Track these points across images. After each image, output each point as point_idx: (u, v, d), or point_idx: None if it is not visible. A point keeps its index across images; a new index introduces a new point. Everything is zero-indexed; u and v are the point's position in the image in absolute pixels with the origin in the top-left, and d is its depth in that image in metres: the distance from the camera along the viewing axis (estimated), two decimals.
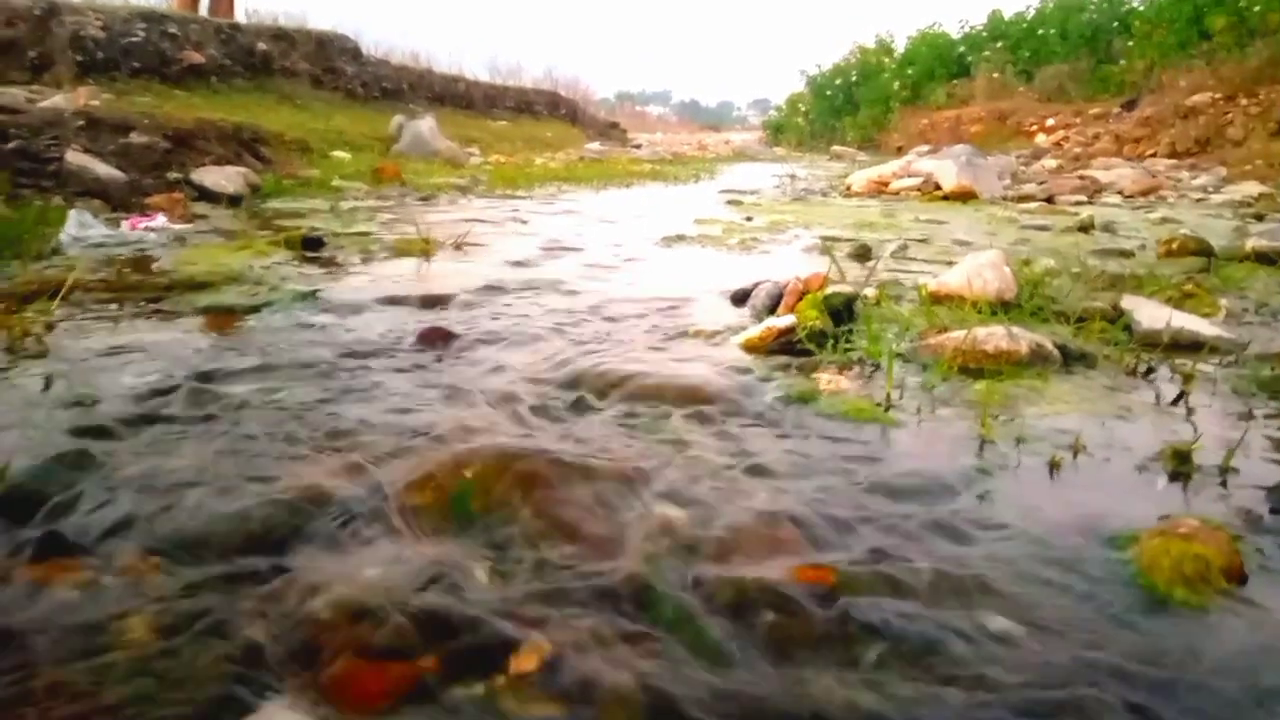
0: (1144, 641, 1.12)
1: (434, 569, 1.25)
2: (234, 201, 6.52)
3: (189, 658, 1.04)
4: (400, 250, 4.34)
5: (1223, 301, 3.21)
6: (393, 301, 3.05)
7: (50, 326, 2.54)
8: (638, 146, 25.95)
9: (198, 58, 13.54)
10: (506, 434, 1.75)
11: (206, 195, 6.58)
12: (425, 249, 4.28)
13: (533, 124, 24.59)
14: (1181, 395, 2.15)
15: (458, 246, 4.52)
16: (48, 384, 2.00)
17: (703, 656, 1.08)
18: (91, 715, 0.94)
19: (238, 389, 1.99)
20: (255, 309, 2.86)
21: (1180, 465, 1.68)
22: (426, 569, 1.25)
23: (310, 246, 4.20)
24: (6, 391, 1.96)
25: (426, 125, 13.66)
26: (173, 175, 6.97)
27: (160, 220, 4.92)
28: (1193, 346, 2.53)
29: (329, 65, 17.16)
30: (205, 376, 2.07)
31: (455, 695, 1.00)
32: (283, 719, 0.94)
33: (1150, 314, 2.74)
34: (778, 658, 1.08)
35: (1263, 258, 4.28)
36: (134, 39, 12.77)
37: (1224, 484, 1.62)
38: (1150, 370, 2.37)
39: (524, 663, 1.06)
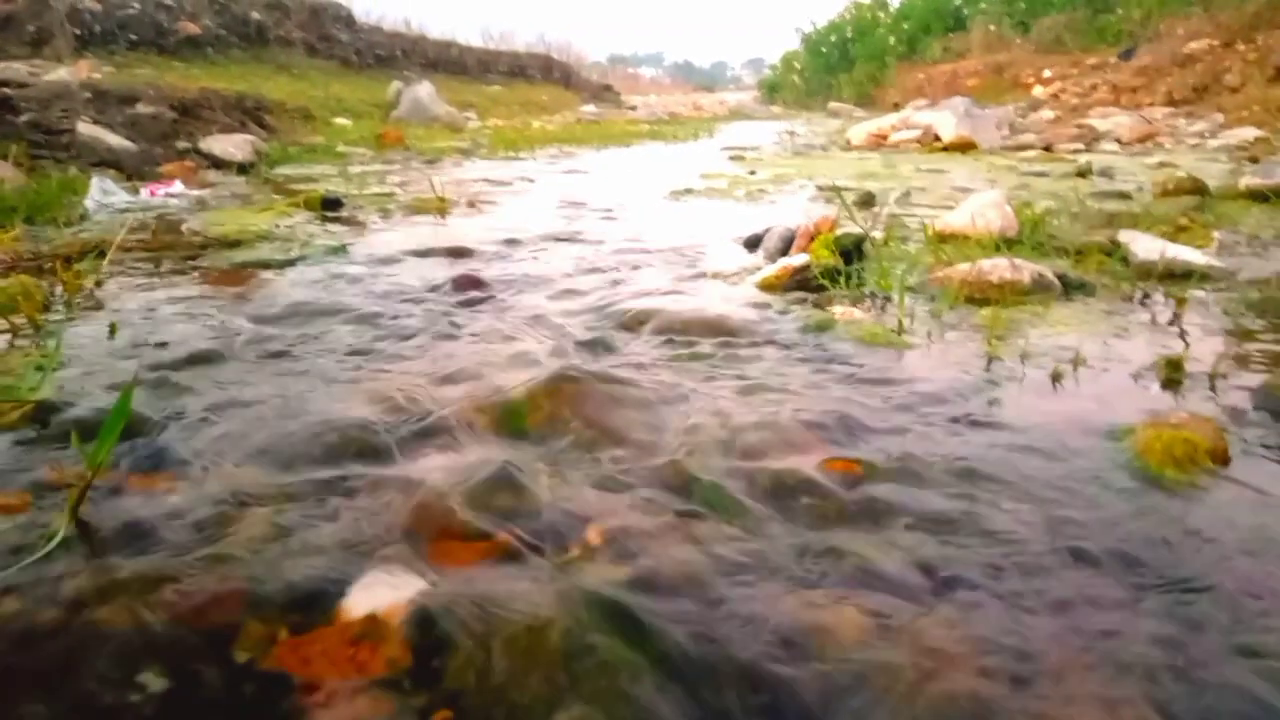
0: (1137, 511, 1.27)
1: (499, 472, 1.39)
2: (244, 169, 6.62)
3: (299, 543, 1.18)
4: (417, 208, 4.46)
5: (1216, 234, 3.34)
6: (420, 254, 3.18)
7: (100, 283, 2.67)
8: (633, 108, 25.89)
9: (194, 29, 13.53)
10: (550, 361, 1.89)
11: (216, 163, 6.68)
12: (441, 207, 4.40)
13: (527, 88, 24.51)
14: (1175, 317, 2.29)
15: (472, 204, 4.64)
16: (113, 332, 2.13)
17: (746, 530, 1.23)
18: (222, 593, 1.09)
19: (292, 331, 2.13)
20: (290, 262, 2.99)
21: (1173, 373, 1.82)
22: (492, 472, 1.39)
23: (330, 207, 4.32)
24: (79, 340, 2.10)
25: (425, 91, 13.70)
26: (182, 144, 7.06)
27: (179, 186, 5.03)
28: (1186, 275, 2.67)
29: (323, 33, 17.14)
30: (260, 320, 2.21)
31: (533, 563, 1.14)
32: (390, 578, 1.08)
33: (1146, 246, 2.87)
34: (812, 529, 1.23)
35: (1256, 195, 4.40)
36: (130, 11, 12.78)
37: (1213, 387, 1.76)
38: (1146, 296, 2.51)
39: (590, 538, 1.21)
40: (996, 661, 0.95)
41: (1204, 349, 1.97)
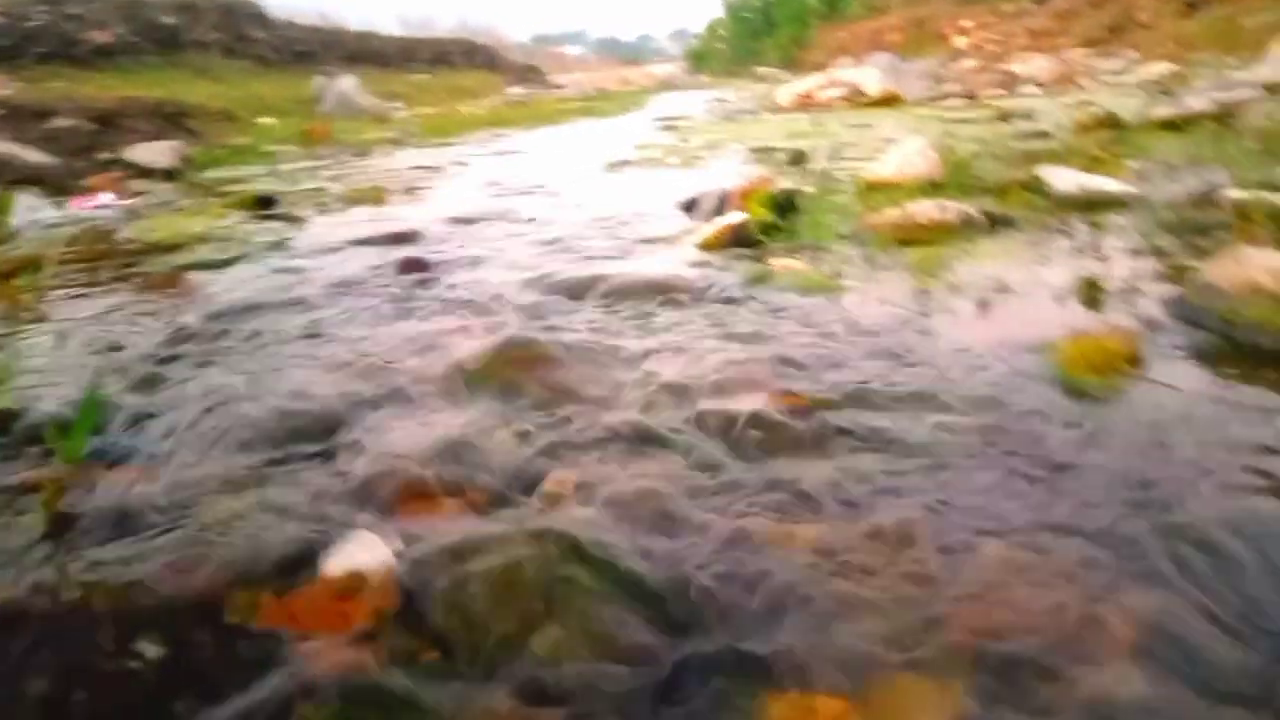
0: (1057, 414, 1.36)
1: (460, 434, 1.44)
2: (171, 175, 6.50)
3: (275, 515, 1.23)
4: (353, 200, 4.45)
5: (1130, 164, 3.48)
6: (361, 243, 3.19)
7: (40, 296, 2.65)
8: (561, 87, 25.71)
9: (104, 37, 13.17)
10: (500, 330, 1.94)
11: (143, 171, 6.55)
12: (377, 196, 4.40)
13: (452, 74, 24.22)
14: (1093, 242, 2.40)
15: (408, 191, 4.64)
16: (62, 340, 2.13)
17: (700, 465, 1.30)
18: (205, 567, 1.13)
19: (242, 325, 2.15)
20: (231, 261, 2.99)
21: (1091, 291, 1.93)
22: (454, 435, 1.44)
23: (265, 205, 4.29)
24: (28, 351, 2.09)
25: (348, 84, 13.51)
26: (104, 155, 6.92)
27: (107, 198, 4.94)
28: (1103, 203, 2.79)
29: (238, 33, 16.77)
30: (208, 317, 2.22)
31: (502, 513, 1.20)
32: (367, 538, 1.13)
33: (1064, 179, 2.99)
34: (764, 459, 1.30)
35: (1168, 124, 4.58)
36: (35, 23, 12.40)
37: (1129, 301, 1.87)
38: (1066, 225, 2.62)
39: (553, 486, 1.27)
40: (931, 556, 1.03)
41: (1120, 268, 2.08)
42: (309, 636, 0.97)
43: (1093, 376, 1.47)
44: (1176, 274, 2.03)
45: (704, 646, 0.92)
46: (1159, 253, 2.25)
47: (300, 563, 1.10)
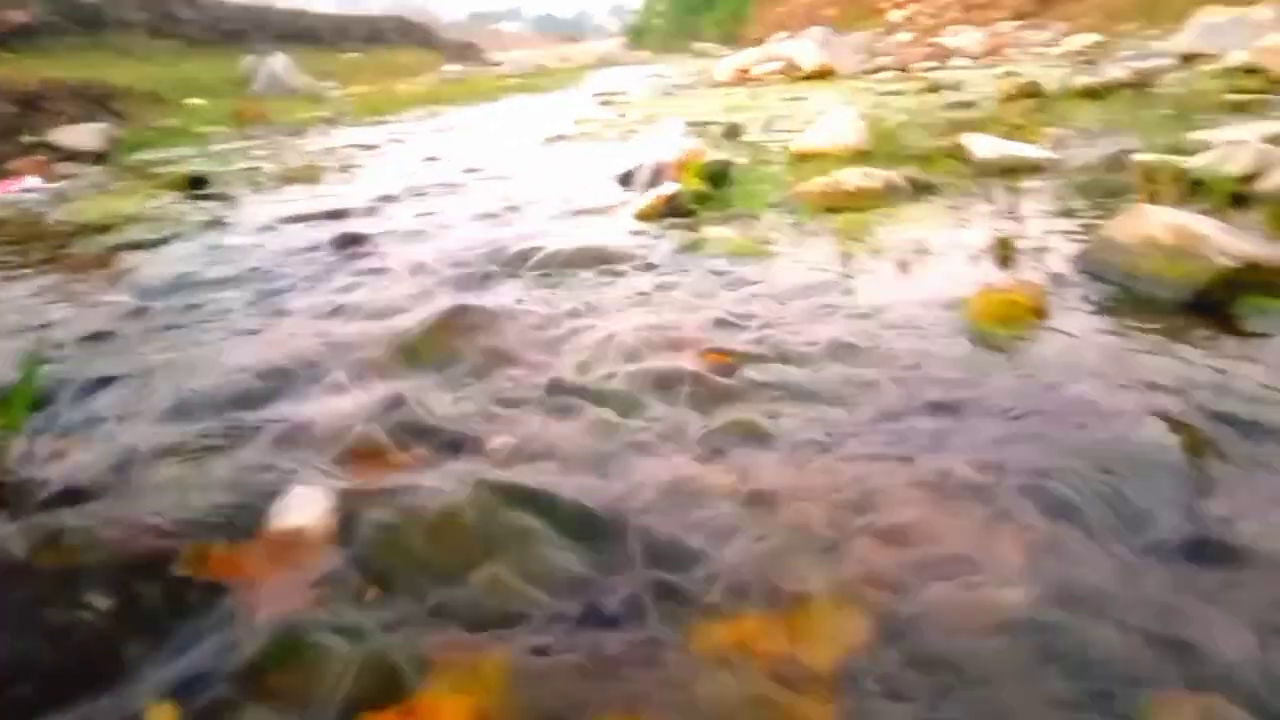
0: (971, 361, 1.45)
1: (400, 397, 1.49)
2: (100, 158, 6.36)
3: (219, 477, 1.26)
4: (287, 179, 4.41)
5: (1049, 130, 3.61)
6: (296, 220, 3.18)
7: None
8: (498, 64, 25.49)
9: (22, 17, 12.74)
10: (438, 299, 1.98)
11: (69, 154, 6.40)
12: (312, 175, 4.37)
13: (387, 52, 23.84)
14: (1011, 205, 2.51)
15: (343, 169, 4.61)
16: None
17: (632, 419, 1.36)
18: (151, 526, 1.16)
19: (178, 301, 2.16)
20: (165, 240, 2.97)
21: (1005, 251, 2.03)
22: (394, 398, 1.49)
23: (197, 185, 4.24)
24: None
25: (280, 63, 13.27)
26: (27, 139, 6.74)
27: (33, 181, 4.84)
28: (1022, 169, 2.90)
29: (164, 12, 16.33)
30: (143, 295, 2.23)
31: (443, 468, 1.25)
32: (311, 497, 1.18)
33: (985, 146, 3.10)
34: (694, 411, 1.37)
35: (1088, 93, 4.73)
36: None
37: (1040, 259, 1.97)
38: (986, 191, 2.73)
39: (493, 442, 1.32)
40: (846, 492, 1.11)
41: (1033, 228, 2.19)
42: (256, 584, 1.01)
43: (1000, 328, 1.56)
44: (1084, 233, 2.13)
45: (637, 579, 0.98)
46: (1070, 214, 2.36)
47: (245, 519, 1.14)
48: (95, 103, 8.66)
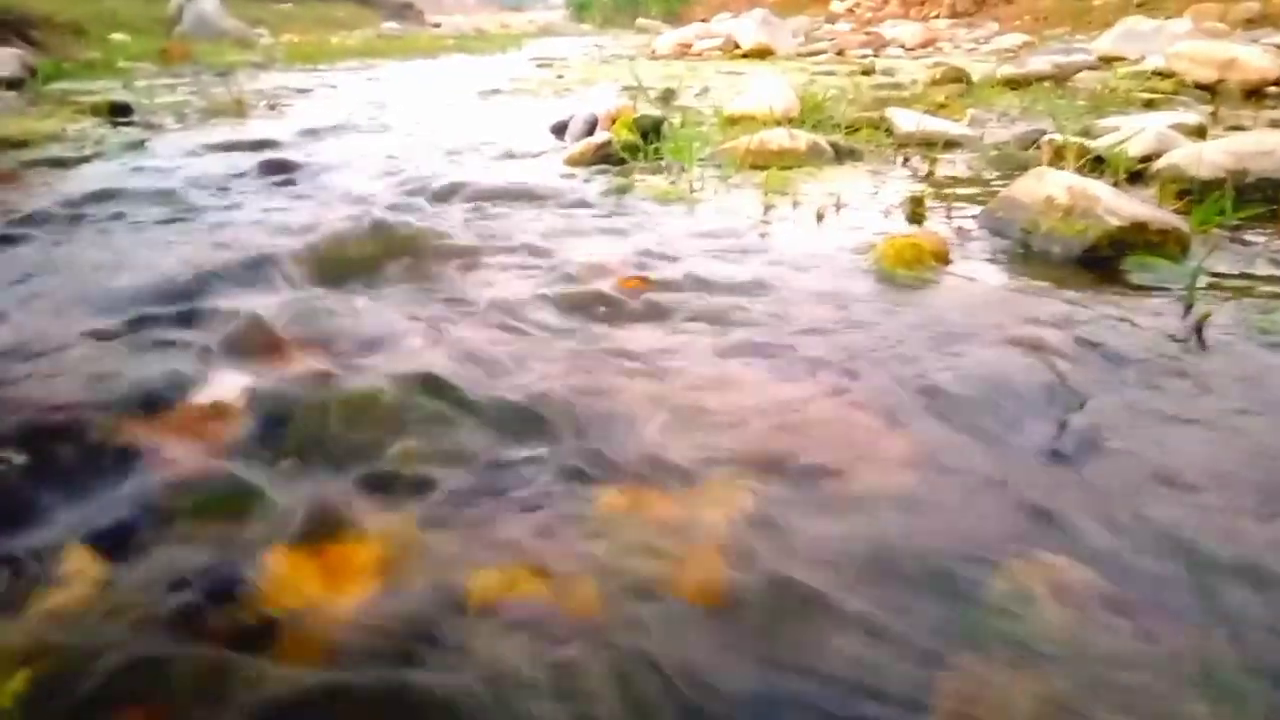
0: (874, 300, 1.53)
1: (321, 301, 1.51)
2: (13, 85, 6.12)
3: (138, 362, 1.28)
4: (214, 112, 4.33)
5: (970, 110, 3.74)
6: (222, 147, 3.15)
7: None
8: (437, 25, 25.06)
9: None
10: (363, 221, 1.99)
11: None
12: (239, 110, 4.29)
13: (322, 6, 23.24)
14: (928, 173, 2.61)
15: (272, 107, 4.54)
16: None
17: (552, 334, 1.41)
18: (69, 401, 1.17)
19: (100, 211, 2.13)
20: (87, 159, 2.91)
21: (915, 207, 2.12)
22: (315, 302, 1.51)
23: (120, 113, 4.14)
24: None
25: (209, 5, 12.88)
26: None
27: None
28: (940, 142, 3.01)
29: None
30: (65, 204, 2.19)
31: (360, 362, 1.28)
32: (231, 378, 1.20)
33: (907, 119, 3.20)
34: (608, 329, 1.42)
35: (1011, 83, 4.90)
36: None
37: (947, 217, 2.07)
38: (906, 159, 2.83)
39: (411, 343, 1.36)
40: (746, 396, 1.18)
41: (946, 192, 2.29)
42: (171, 449, 1.04)
43: (904, 270, 1.65)
44: (989, 196, 2.24)
45: (545, 458, 1.03)
46: (980, 182, 2.48)
47: (161, 396, 1.16)
48: (10, 29, 8.31)
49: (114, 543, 0.87)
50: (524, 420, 1.11)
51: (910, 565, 0.84)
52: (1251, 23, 11.82)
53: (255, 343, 1.33)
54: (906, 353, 1.30)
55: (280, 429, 1.07)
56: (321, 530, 0.88)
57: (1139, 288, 1.58)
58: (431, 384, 1.17)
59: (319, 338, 1.36)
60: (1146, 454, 1.01)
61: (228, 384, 1.18)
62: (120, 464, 1.01)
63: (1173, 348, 1.30)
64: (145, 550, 0.87)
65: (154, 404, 1.14)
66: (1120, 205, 1.76)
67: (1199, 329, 1.36)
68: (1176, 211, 1.95)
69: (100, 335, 1.36)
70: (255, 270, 1.66)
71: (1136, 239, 1.72)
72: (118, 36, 10.33)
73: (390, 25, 20.82)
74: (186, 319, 1.43)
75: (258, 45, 11.78)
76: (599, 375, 1.24)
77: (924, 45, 10.74)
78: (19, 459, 1.01)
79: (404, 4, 31.51)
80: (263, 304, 1.49)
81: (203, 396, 1.15)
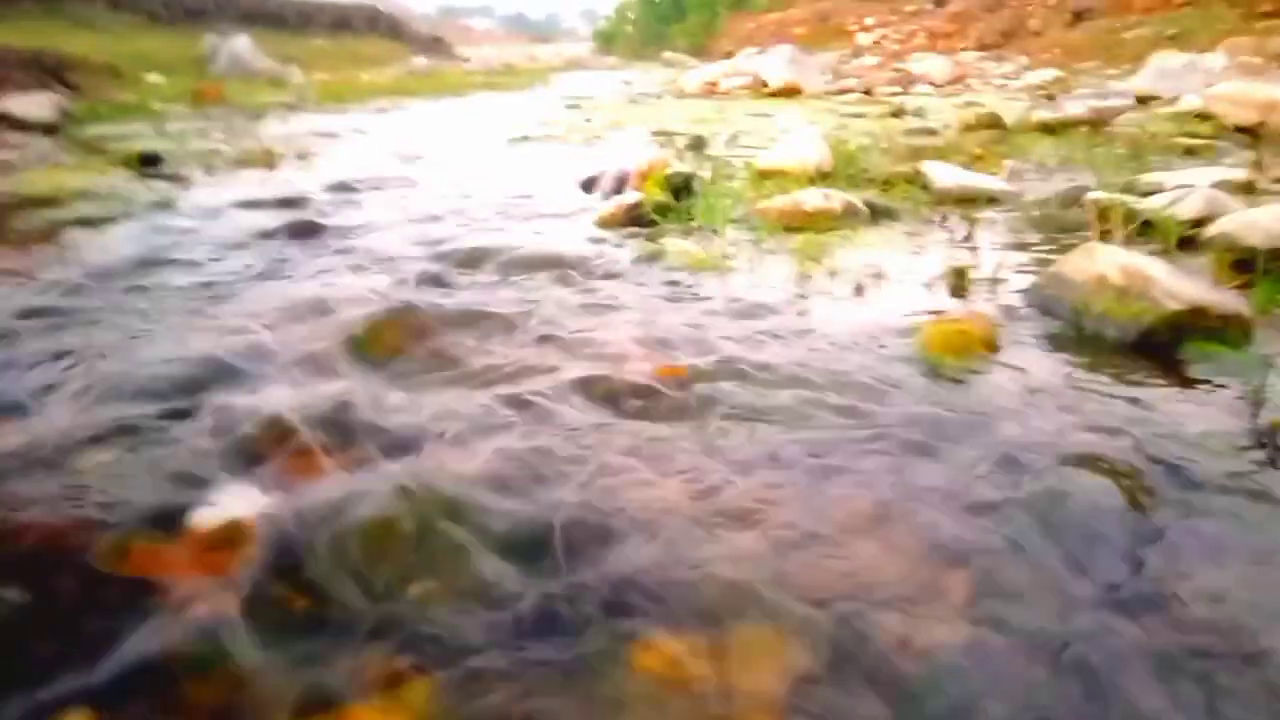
0: (920, 393, 1.45)
1: (340, 397, 1.45)
2: (50, 130, 6.19)
3: (149, 470, 1.22)
4: (243, 162, 4.33)
5: (1007, 162, 3.66)
6: (249, 205, 3.12)
7: None
8: (466, 60, 25.35)
9: None
10: (391, 297, 1.94)
11: (17, 124, 6.22)
12: (268, 160, 4.29)
13: (353, 41, 23.63)
14: (967, 235, 2.53)
15: (301, 156, 4.54)
16: None
17: (583, 430, 1.34)
18: (75, 519, 1.12)
19: (123, 283, 2.09)
20: (113, 219, 2.89)
21: (958, 280, 2.04)
22: (334, 397, 1.45)
23: (150, 163, 4.15)
24: None
25: (243, 45, 13.07)
26: None
27: None
28: (979, 199, 2.94)
29: None
30: (89, 275, 2.16)
31: (383, 470, 1.22)
32: (246, 494, 1.14)
33: (944, 174, 3.13)
34: (644, 430, 1.35)
35: (1046, 128, 4.82)
36: None
37: (992, 290, 1.99)
38: (944, 218, 2.76)
39: (434, 447, 1.29)
40: (792, 518, 1.10)
41: (989, 259, 2.21)
42: (179, 584, 0.97)
43: (952, 358, 1.57)
44: (1037, 267, 2.16)
45: (576, 598, 0.96)
46: (1023, 247, 2.40)
47: (173, 514, 1.10)
48: (48, 73, 8.45)
49: (111, 708, 0.81)
50: (550, 550, 1.04)
51: None
52: None
53: (273, 448, 1.28)
54: (959, 464, 1.22)
55: (294, 561, 1.01)
56: (332, 701, 0.81)
57: (1201, 382, 1.49)
58: (457, 505, 1.11)
59: (340, 441, 1.30)
60: (1218, 608, 0.93)
61: (242, 502, 1.12)
62: (122, 602, 0.95)
63: (1244, 462, 1.22)
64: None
65: (164, 523, 1.08)
66: (1178, 288, 1.68)
67: (1273, 437, 1.27)
68: (1235, 289, 1.86)
69: (111, 436, 1.30)
70: (273, 356, 1.61)
71: (1196, 324, 1.63)
72: (153, 78, 10.49)
73: (419, 61, 21.07)
74: (199, 416, 1.37)
75: (290, 84, 11.92)
76: (633, 491, 1.17)
77: (953, 82, 10.68)
78: (15, 597, 0.95)
79: (434, 38, 31.99)
80: (283, 399, 1.43)
81: (216, 516, 1.09)
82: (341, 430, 1.33)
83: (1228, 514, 1.09)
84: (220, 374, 1.53)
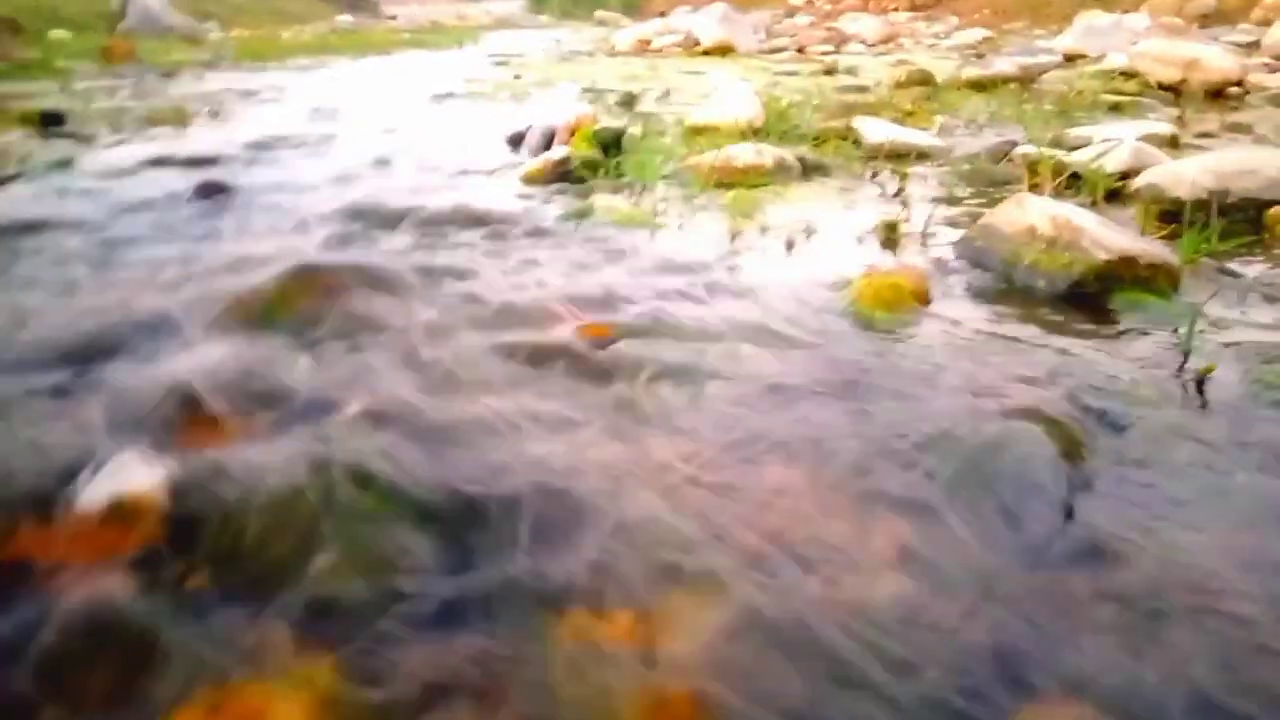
0: (853, 347, 1.42)
1: (247, 361, 1.37)
2: None
3: (36, 441, 1.13)
4: (153, 121, 4.13)
5: (938, 118, 3.65)
6: (157, 164, 2.97)
7: None
8: (393, 18, 24.70)
9: None
10: (302, 258, 1.85)
11: None
12: (180, 119, 4.10)
13: None
14: (898, 190, 2.51)
15: (215, 114, 4.34)
16: None
17: (500, 395, 1.28)
18: None
19: (14, 245, 1.96)
20: (8, 179, 2.72)
21: (890, 234, 2.02)
22: (240, 361, 1.37)
23: (51, 122, 3.93)
24: None
25: None
26: None
27: None
28: (910, 154, 2.92)
29: None
30: None
31: (288, 440, 1.15)
32: (139, 464, 1.06)
33: (875, 130, 3.11)
34: (568, 393, 1.29)
35: (976, 85, 4.83)
36: None
37: (923, 244, 1.97)
38: (875, 173, 2.73)
39: (344, 414, 1.22)
40: (720, 475, 1.06)
41: (920, 213, 2.19)
42: (65, 566, 0.90)
43: (883, 312, 1.54)
44: (968, 220, 2.14)
45: (491, 568, 0.91)
46: (954, 201, 2.38)
47: (61, 489, 1.02)
48: None
49: None
50: (465, 519, 0.98)
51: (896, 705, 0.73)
52: (1206, 18, 11.93)
53: (172, 417, 1.19)
54: (890, 421, 1.18)
55: (192, 537, 0.94)
56: (230, 683, 0.75)
57: (1130, 330, 1.49)
58: (365, 472, 1.04)
59: (243, 407, 1.22)
60: (1152, 557, 0.91)
61: (130, 475, 1.04)
62: (9, 588, 0.87)
63: (1175, 411, 1.21)
64: (28, 709, 0.73)
65: (48, 501, 1.00)
66: (1107, 238, 1.67)
67: (1200, 385, 1.27)
68: (1161, 239, 1.86)
69: (2, 407, 1.21)
70: (179, 320, 1.51)
71: (1125, 274, 1.63)
72: (58, 33, 9.99)
73: (344, 19, 20.46)
74: (92, 385, 1.28)
75: (206, 41, 11.46)
76: (555, 458, 1.11)
77: (885, 41, 10.70)
78: None
79: None
80: (183, 365, 1.34)
81: (107, 490, 1.01)
82: (245, 397, 1.25)
83: (1159, 462, 1.08)
84: (116, 341, 1.43)
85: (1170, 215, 2.06)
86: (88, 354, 1.39)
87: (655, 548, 0.94)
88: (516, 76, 6.61)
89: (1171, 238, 1.88)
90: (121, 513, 0.98)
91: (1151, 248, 1.70)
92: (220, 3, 18.47)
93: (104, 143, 3.56)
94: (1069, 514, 0.98)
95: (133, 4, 12.38)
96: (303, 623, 0.83)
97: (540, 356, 1.39)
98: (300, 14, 20.62)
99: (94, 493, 1.01)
